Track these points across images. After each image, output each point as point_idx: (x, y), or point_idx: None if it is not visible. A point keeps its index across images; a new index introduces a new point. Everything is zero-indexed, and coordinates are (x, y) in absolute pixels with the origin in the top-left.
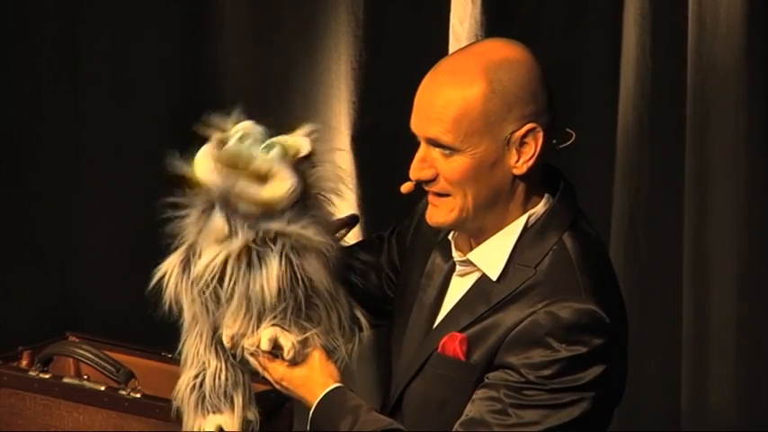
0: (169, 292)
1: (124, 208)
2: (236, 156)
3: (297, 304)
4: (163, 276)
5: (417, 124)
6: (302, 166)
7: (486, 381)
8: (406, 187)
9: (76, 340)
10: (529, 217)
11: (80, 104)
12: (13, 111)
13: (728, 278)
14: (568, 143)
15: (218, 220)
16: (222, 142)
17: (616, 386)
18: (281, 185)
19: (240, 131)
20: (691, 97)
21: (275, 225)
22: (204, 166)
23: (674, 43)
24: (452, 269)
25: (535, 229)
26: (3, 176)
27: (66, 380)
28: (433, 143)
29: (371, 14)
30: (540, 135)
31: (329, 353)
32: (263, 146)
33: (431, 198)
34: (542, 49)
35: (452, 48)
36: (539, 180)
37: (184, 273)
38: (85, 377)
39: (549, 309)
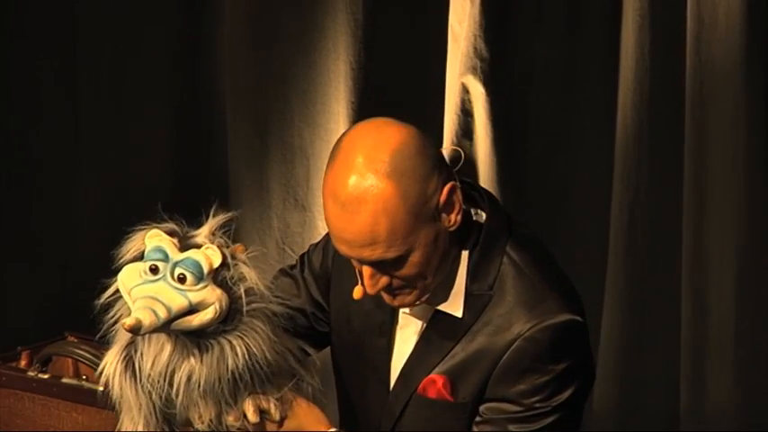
0: (116, 393)
1: (124, 208)
2: (154, 301)
3: (261, 373)
4: (106, 373)
5: (353, 253)
6: (221, 274)
7: (485, 417)
8: (357, 293)
9: (75, 340)
10: (470, 249)
11: (80, 103)
12: (13, 111)
13: (727, 278)
14: (461, 162)
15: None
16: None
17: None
18: (207, 313)
19: (151, 246)
20: (689, 97)
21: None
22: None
23: (672, 43)
24: (395, 317)
25: (478, 255)
26: (2, 176)
27: (64, 380)
28: (379, 262)
29: (370, 15)
30: (458, 188)
31: (299, 387)
32: (177, 273)
33: (388, 295)
34: (542, 49)
35: (451, 48)
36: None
37: (127, 370)
38: (84, 377)
39: (527, 335)
